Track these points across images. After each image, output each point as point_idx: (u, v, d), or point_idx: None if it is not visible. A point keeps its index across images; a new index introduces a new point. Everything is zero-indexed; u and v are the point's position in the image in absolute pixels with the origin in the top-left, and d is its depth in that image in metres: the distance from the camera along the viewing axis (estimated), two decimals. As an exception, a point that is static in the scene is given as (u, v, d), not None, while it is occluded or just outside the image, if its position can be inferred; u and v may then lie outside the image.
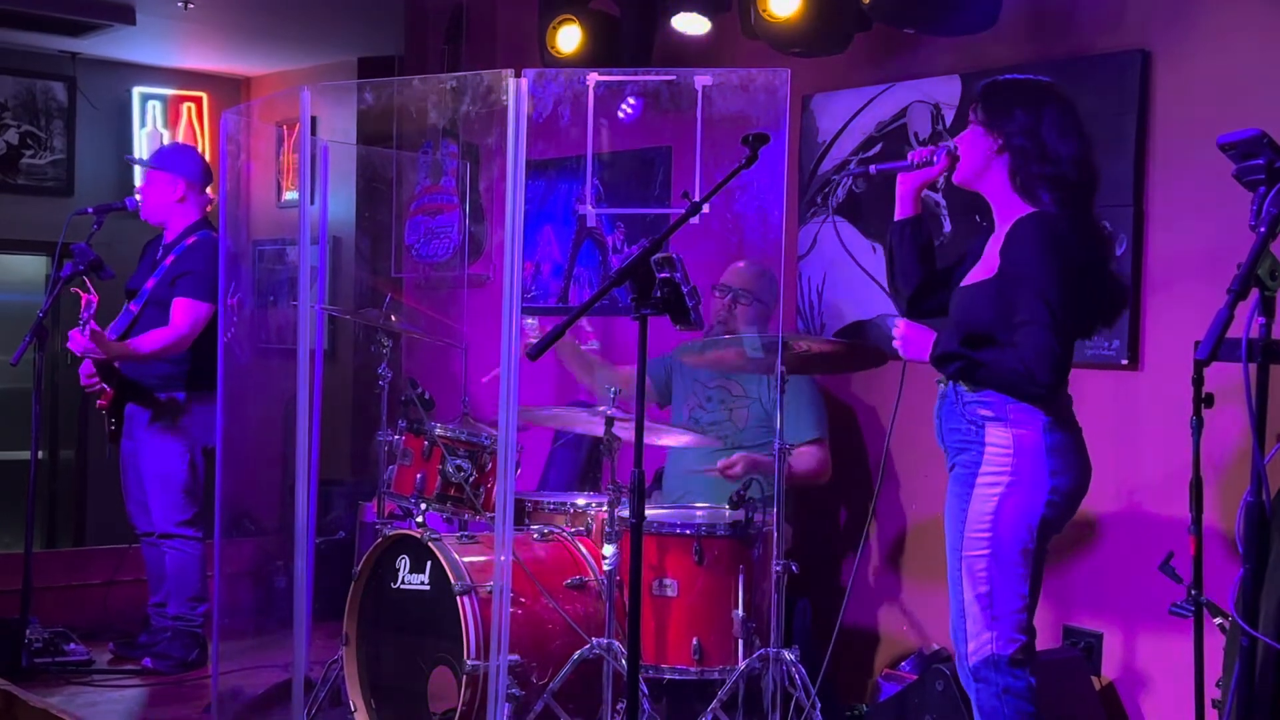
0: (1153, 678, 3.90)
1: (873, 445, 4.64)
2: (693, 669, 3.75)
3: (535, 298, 5.73)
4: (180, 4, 6.10)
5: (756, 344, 3.85)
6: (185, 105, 7.80)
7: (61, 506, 7.53)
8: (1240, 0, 3.74)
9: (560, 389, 5.41)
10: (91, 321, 4.61)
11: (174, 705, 4.62)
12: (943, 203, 4.37)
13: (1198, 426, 3.01)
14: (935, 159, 3.16)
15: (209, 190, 5.16)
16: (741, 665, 3.68)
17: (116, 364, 4.89)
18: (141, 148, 7.56)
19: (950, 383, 3.06)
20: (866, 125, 4.62)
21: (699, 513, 4.04)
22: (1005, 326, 2.95)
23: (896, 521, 4.56)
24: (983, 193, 3.14)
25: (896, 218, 3.31)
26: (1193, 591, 3.10)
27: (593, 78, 3.63)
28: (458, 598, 3.68)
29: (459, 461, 3.96)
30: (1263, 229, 2.43)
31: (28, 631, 4.80)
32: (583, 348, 4.74)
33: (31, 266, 7.66)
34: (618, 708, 3.70)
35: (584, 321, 4.45)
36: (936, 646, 4.28)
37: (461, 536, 3.97)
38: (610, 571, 3.71)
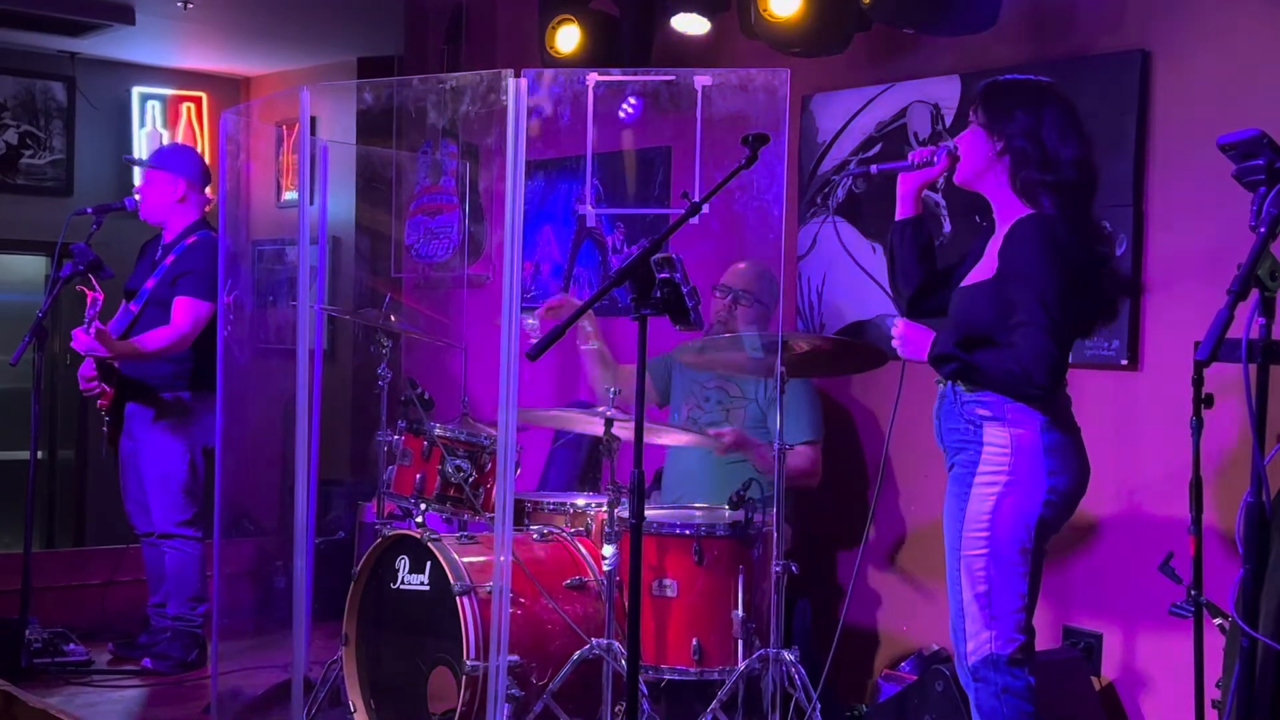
0: (1152, 678, 3.90)
1: (872, 446, 4.64)
2: (692, 669, 3.74)
3: (535, 298, 5.72)
4: (180, 4, 6.10)
5: (756, 343, 3.85)
6: (185, 105, 7.80)
7: (61, 506, 7.53)
8: (1240, 0, 3.74)
9: (560, 389, 5.41)
10: (96, 320, 4.61)
11: (173, 705, 4.62)
12: (942, 203, 4.37)
13: (1197, 427, 3.01)
14: (936, 159, 3.16)
15: (208, 190, 5.16)
16: (741, 666, 3.67)
17: (116, 364, 4.89)
18: (141, 148, 7.56)
19: (949, 383, 3.07)
20: (866, 125, 4.62)
21: (698, 513, 4.04)
22: (1003, 327, 2.95)
23: (896, 522, 4.56)
24: (983, 193, 3.14)
25: (897, 218, 3.31)
26: (1192, 592, 3.10)
27: (592, 78, 3.63)
28: (457, 598, 3.68)
29: (458, 462, 3.95)
30: (1263, 229, 2.43)
31: (27, 631, 4.79)
32: (584, 348, 4.73)
33: (31, 266, 7.66)
34: (617, 708, 3.69)
35: (584, 321, 4.45)
36: (936, 647, 4.28)
37: (461, 537, 3.97)
38: (610, 572, 3.71)
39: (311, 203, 4.16)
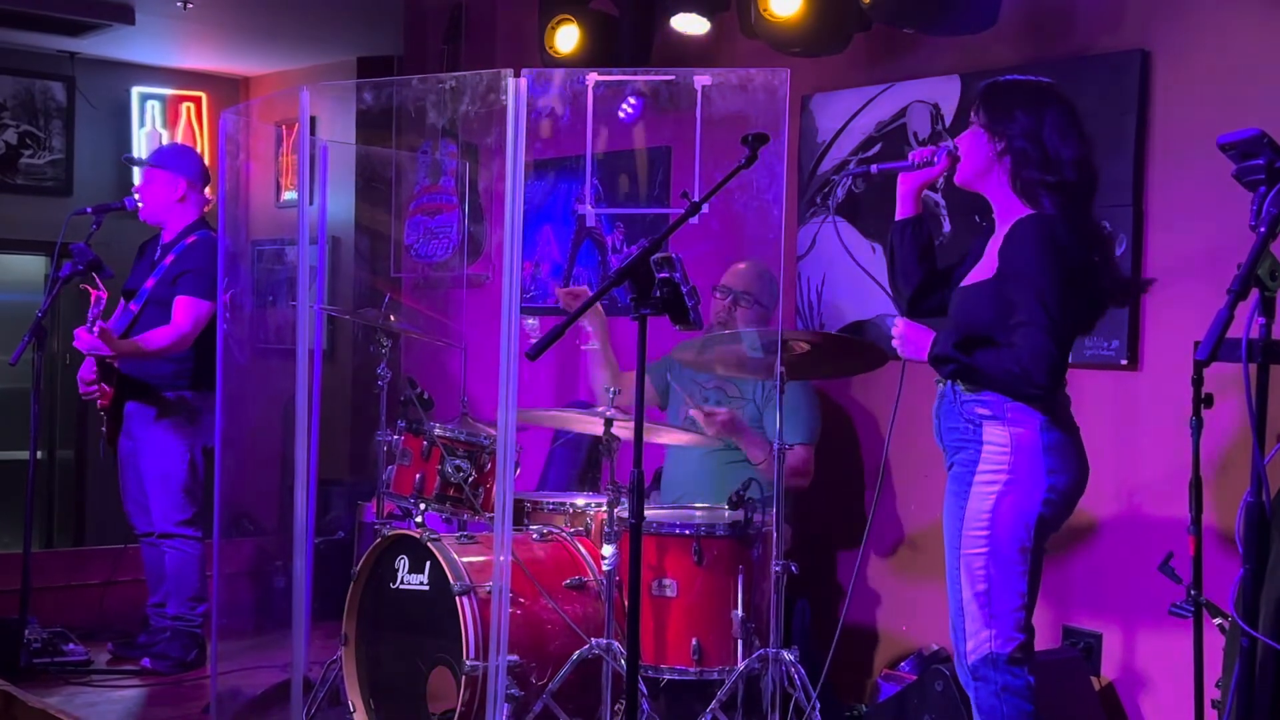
0: (1152, 678, 3.90)
1: (872, 446, 4.64)
2: (692, 669, 3.74)
3: (534, 298, 5.73)
4: (179, 4, 6.10)
5: (756, 341, 3.84)
6: (184, 105, 7.80)
7: (60, 506, 7.53)
8: (1240, 0, 3.74)
9: (560, 389, 5.41)
10: (100, 319, 4.61)
11: (173, 705, 4.62)
12: (942, 202, 4.37)
13: (1197, 427, 3.01)
14: (936, 159, 3.16)
15: (207, 191, 5.16)
16: (741, 666, 3.67)
17: (116, 363, 4.89)
18: (140, 148, 7.56)
19: (949, 382, 3.07)
20: (866, 125, 4.62)
21: (698, 513, 4.04)
22: (1003, 327, 2.95)
23: (896, 522, 4.56)
24: (983, 193, 3.14)
25: (897, 217, 3.31)
26: (1192, 591, 3.10)
27: (592, 78, 3.63)
28: (457, 598, 3.68)
29: (458, 462, 3.95)
30: (1263, 229, 2.43)
31: (26, 631, 4.79)
32: (585, 348, 4.73)
33: (30, 266, 7.66)
34: (617, 708, 3.69)
35: (584, 321, 4.45)
36: (936, 646, 4.28)
37: (460, 537, 3.97)
38: (609, 572, 3.70)
39: (311, 203, 4.15)
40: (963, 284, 3.13)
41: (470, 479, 3.96)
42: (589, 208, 5.26)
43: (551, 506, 4.16)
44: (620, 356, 4.54)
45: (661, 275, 2.98)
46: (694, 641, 3.73)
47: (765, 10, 4.33)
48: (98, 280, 4.66)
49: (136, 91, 7.67)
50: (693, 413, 4.20)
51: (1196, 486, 3.04)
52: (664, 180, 5.24)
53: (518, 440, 3.54)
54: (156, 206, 5.06)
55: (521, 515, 4.12)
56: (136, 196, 5.12)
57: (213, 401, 4.35)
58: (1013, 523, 2.96)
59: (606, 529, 3.71)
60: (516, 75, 3.40)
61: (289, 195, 7.37)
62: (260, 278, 7.10)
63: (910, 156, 3.21)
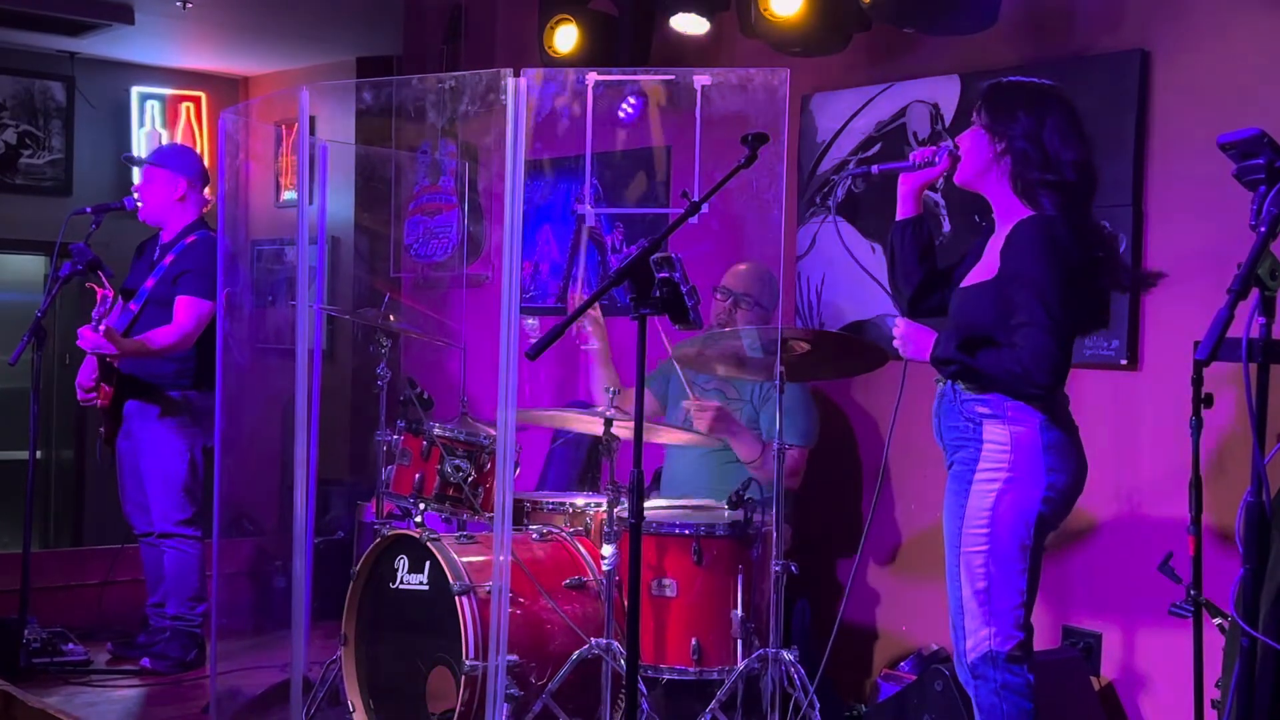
0: (1152, 678, 3.90)
1: (871, 446, 4.63)
2: (691, 669, 3.74)
3: (534, 298, 5.73)
4: (179, 3, 6.09)
5: (755, 340, 3.84)
6: (184, 105, 7.80)
7: (60, 506, 7.53)
8: (1239, 0, 3.74)
9: (559, 389, 5.40)
10: (106, 318, 4.61)
11: (172, 705, 4.61)
12: (941, 202, 4.37)
13: (1197, 426, 3.01)
14: (937, 159, 3.16)
15: (206, 191, 5.16)
16: (740, 665, 3.67)
17: (116, 363, 4.88)
18: (140, 147, 7.56)
19: (949, 381, 3.07)
20: (866, 125, 4.62)
21: (698, 513, 4.04)
22: (1004, 328, 2.96)
23: (895, 521, 4.56)
24: (983, 193, 3.15)
25: (898, 218, 3.31)
26: (1192, 591, 3.10)
27: (592, 77, 3.63)
28: (456, 598, 3.68)
29: (457, 461, 3.95)
30: (1263, 229, 2.43)
31: (26, 631, 4.79)
32: (585, 348, 4.73)
33: (30, 266, 7.66)
34: (616, 708, 3.69)
35: (584, 321, 4.44)
36: (935, 646, 4.28)
37: (460, 536, 3.96)
38: (609, 571, 3.70)
39: (311, 202, 4.15)
40: (963, 284, 3.13)
41: (470, 479, 3.96)
42: (588, 207, 5.25)
43: (551, 506, 4.16)
44: (620, 357, 4.54)
45: (661, 275, 2.98)
46: (694, 641, 3.73)
47: (765, 10, 4.33)
48: (104, 279, 4.66)
49: (136, 91, 7.68)
50: (685, 404, 4.20)
51: (1196, 486, 3.04)
52: (663, 180, 5.24)
53: (517, 440, 3.54)
54: (156, 206, 5.06)
55: (521, 515, 4.12)
56: (136, 196, 5.12)
57: (214, 401, 4.36)
58: (1013, 521, 2.96)
59: (606, 529, 3.71)
60: (516, 75, 3.40)
61: (288, 195, 7.37)
62: (260, 278, 7.10)
63: (911, 157, 3.22)
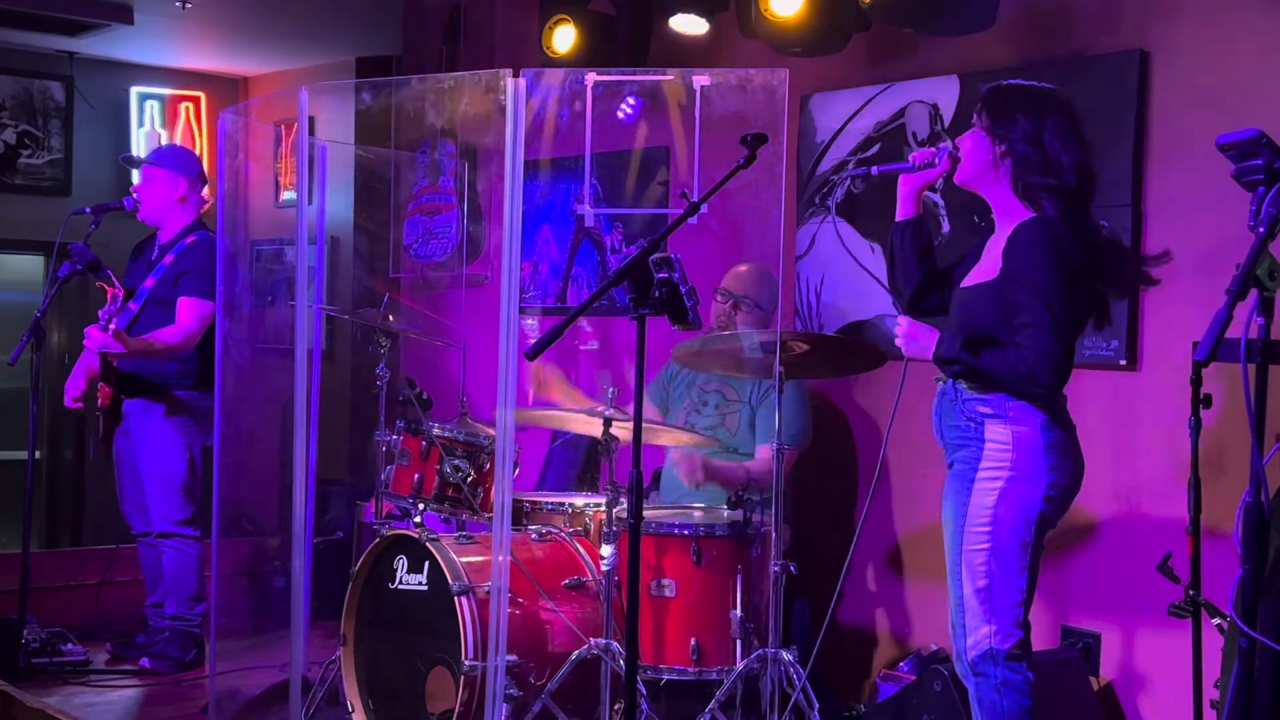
0: (1151, 678, 3.90)
1: (871, 446, 4.63)
2: (691, 669, 3.74)
3: (533, 298, 5.73)
4: (178, 3, 6.09)
5: (754, 340, 3.84)
6: (183, 105, 7.80)
7: (59, 506, 7.52)
8: (1238, 0, 3.74)
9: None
10: (116, 318, 4.60)
11: (171, 705, 4.61)
12: (941, 202, 4.37)
13: (1196, 427, 3.01)
14: (937, 161, 3.17)
15: (205, 192, 5.16)
16: (739, 666, 3.67)
17: (116, 363, 4.88)
18: (139, 147, 7.56)
19: (950, 380, 3.08)
20: (865, 125, 4.62)
21: (697, 513, 4.04)
22: (1006, 328, 2.98)
23: (894, 522, 4.56)
24: (983, 194, 3.16)
25: (898, 218, 3.32)
26: (1191, 591, 3.10)
27: (591, 77, 3.63)
28: (455, 598, 3.68)
29: (457, 462, 3.95)
30: (1261, 229, 2.43)
31: (25, 631, 4.79)
32: (582, 348, 4.73)
33: (29, 266, 7.66)
34: (616, 708, 3.69)
35: (583, 321, 4.45)
36: (935, 647, 4.28)
37: (459, 537, 3.96)
38: (608, 572, 3.70)
39: (310, 202, 4.15)
40: (964, 285, 3.14)
41: (469, 479, 3.96)
42: (587, 208, 5.25)
43: (550, 506, 4.16)
44: (620, 357, 4.55)
45: (660, 275, 2.98)
46: (693, 642, 3.73)
47: (765, 10, 4.33)
48: (113, 279, 4.66)
49: (135, 91, 7.67)
50: (671, 455, 4.17)
51: (1195, 486, 3.04)
52: (662, 180, 5.24)
53: (516, 440, 3.54)
54: (156, 206, 5.05)
55: (520, 515, 4.12)
56: (135, 196, 5.12)
57: (213, 400, 4.35)
58: (1015, 519, 2.98)
59: (605, 529, 3.71)
60: (515, 75, 3.40)
61: (288, 195, 7.37)
62: (259, 278, 7.10)
63: (911, 158, 3.22)
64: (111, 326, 4.60)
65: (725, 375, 4.35)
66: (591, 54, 4.95)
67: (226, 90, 7.91)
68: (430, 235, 6.17)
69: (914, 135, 4.46)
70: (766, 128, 3.17)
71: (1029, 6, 4.20)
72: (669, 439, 4.31)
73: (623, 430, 3.76)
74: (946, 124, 4.35)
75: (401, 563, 3.91)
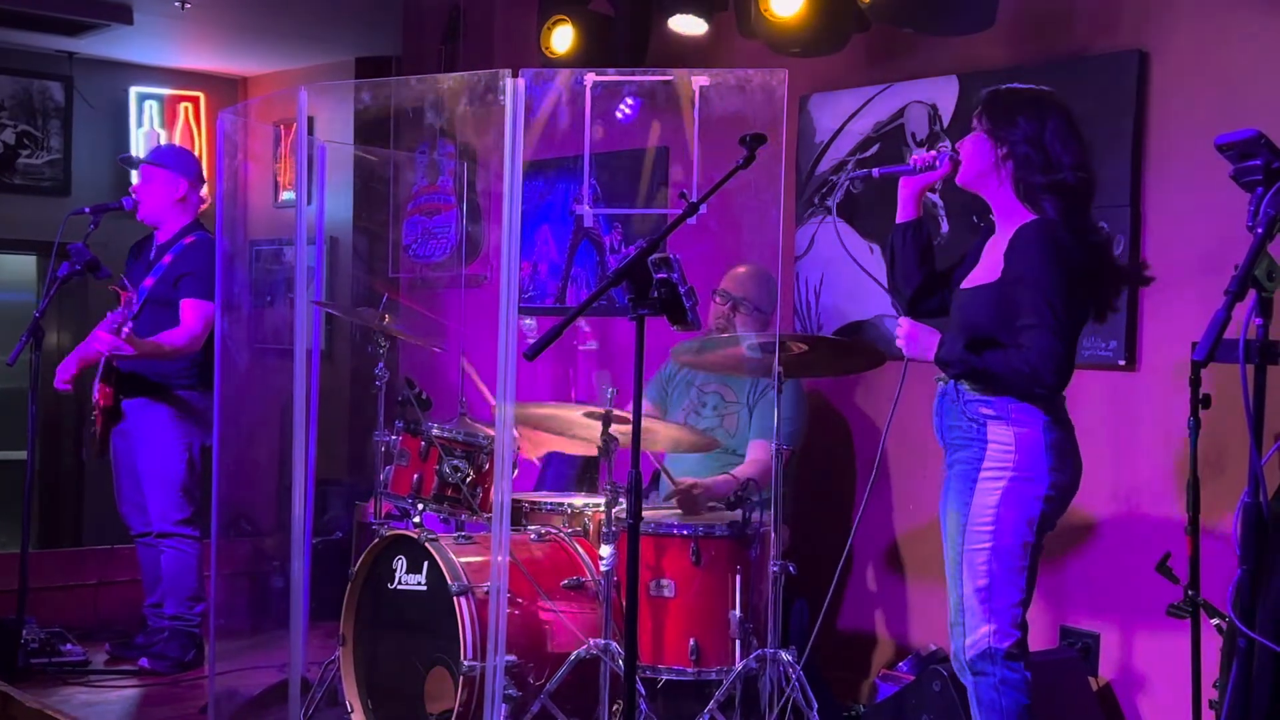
0: (1150, 678, 3.91)
1: (870, 446, 4.63)
2: (690, 669, 3.74)
3: (532, 298, 5.73)
4: (177, 4, 6.09)
5: (753, 342, 3.84)
6: (182, 105, 7.80)
7: (58, 506, 7.52)
8: (1237, 1, 3.74)
9: (557, 390, 5.40)
10: (129, 322, 4.60)
11: (170, 705, 4.61)
12: (940, 203, 4.37)
13: (1195, 427, 3.01)
14: (938, 163, 3.18)
15: (203, 192, 5.16)
16: (739, 666, 3.67)
17: (116, 363, 4.88)
18: (138, 147, 7.56)
19: (950, 381, 3.09)
20: (864, 126, 4.62)
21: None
22: (1007, 329, 2.99)
23: (893, 522, 4.56)
24: (985, 196, 3.17)
25: (898, 220, 3.32)
26: (1190, 592, 3.10)
27: (590, 78, 3.63)
28: (454, 598, 3.68)
29: (456, 462, 3.95)
30: (1260, 230, 2.44)
31: (24, 631, 4.79)
32: (581, 348, 4.73)
33: (29, 266, 7.66)
34: (615, 708, 3.69)
35: (582, 321, 4.44)
36: (933, 646, 4.28)
37: (458, 537, 3.96)
38: (607, 572, 3.70)
39: (309, 202, 4.15)
40: (964, 286, 3.15)
41: (468, 479, 3.96)
42: (587, 208, 5.25)
43: (549, 507, 4.16)
44: (620, 357, 4.54)
45: (659, 276, 2.98)
46: (692, 642, 3.73)
47: (765, 10, 4.34)
48: (126, 283, 4.66)
49: (134, 91, 7.67)
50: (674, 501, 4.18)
51: (1194, 487, 3.04)
52: (661, 180, 5.24)
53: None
54: (156, 206, 5.05)
55: (519, 515, 4.12)
56: (134, 196, 5.12)
57: (213, 401, 4.35)
58: (1016, 519, 2.99)
59: (604, 529, 3.71)
60: (514, 75, 3.40)
61: (287, 195, 7.37)
62: (258, 278, 7.10)
63: (912, 160, 3.23)
64: (125, 330, 4.60)
65: (724, 376, 4.34)
66: (590, 54, 4.96)
67: (226, 90, 7.91)
68: (429, 235, 6.17)
69: (913, 136, 4.46)
70: (765, 128, 3.17)
71: (1028, 7, 4.20)
72: (665, 437, 4.31)
73: (621, 432, 3.76)
74: (945, 124, 4.36)
75: (400, 563, 3.91)
